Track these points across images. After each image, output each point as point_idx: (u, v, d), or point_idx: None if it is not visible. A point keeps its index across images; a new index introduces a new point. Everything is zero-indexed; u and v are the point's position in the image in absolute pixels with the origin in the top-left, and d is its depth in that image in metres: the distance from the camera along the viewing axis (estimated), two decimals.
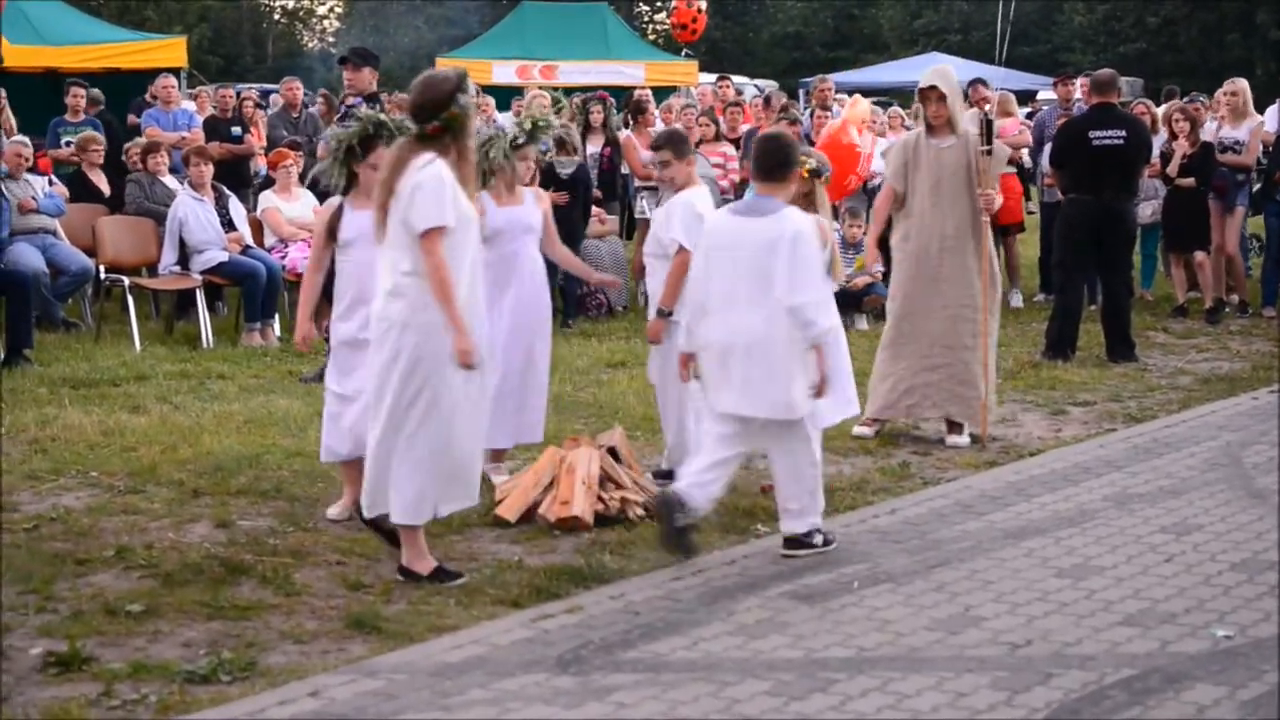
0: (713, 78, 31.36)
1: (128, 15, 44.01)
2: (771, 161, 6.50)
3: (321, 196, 12.75)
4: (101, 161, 13.56)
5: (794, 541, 6.44)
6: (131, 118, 16.35)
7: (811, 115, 15.96)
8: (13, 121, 14.69)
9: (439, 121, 5.92)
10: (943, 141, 8.50)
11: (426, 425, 5.91)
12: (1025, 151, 15.08)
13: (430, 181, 5.85)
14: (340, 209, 6.92)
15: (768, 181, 6.48)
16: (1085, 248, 11.21)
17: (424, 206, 5.82)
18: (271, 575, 6.04)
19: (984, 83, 14.99)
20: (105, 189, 13.31)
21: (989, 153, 8.57)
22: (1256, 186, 14.01)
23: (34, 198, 12.13)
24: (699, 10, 27.84)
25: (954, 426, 8.57)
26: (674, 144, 7.64)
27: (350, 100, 10.21)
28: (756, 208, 6.46)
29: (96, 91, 16.07)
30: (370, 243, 6.23)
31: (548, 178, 12.22)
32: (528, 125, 7.59)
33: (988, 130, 8.73)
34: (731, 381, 6.34)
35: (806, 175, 7.37)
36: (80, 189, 13.37)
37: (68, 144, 14.69)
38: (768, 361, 6.26)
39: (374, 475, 6.01)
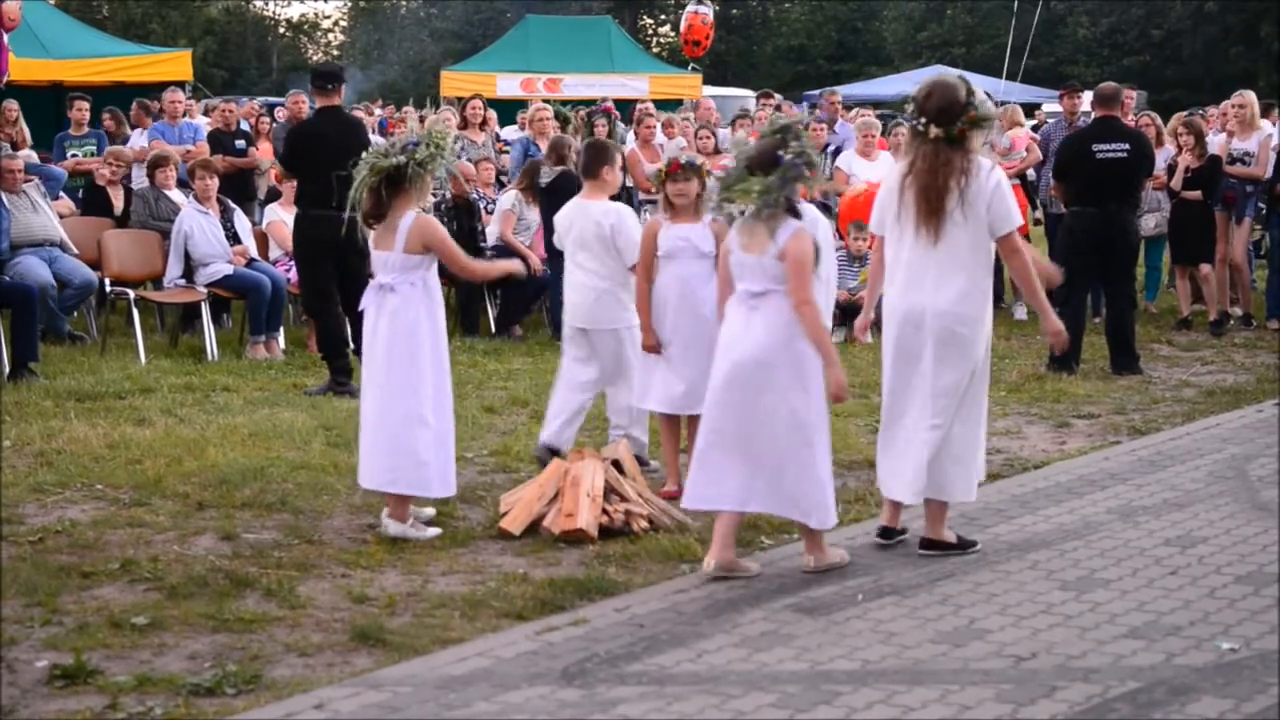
0: (716, 90, 31.45)
1: (133, 29, 44.19)
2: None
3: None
4: (121, 178, 13.49)
5: None
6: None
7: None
8: (26, 134, 14.74)
9: (963, 123, 6.34)
10: None
11: (977, 412, 6.61)
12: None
13: (1006, 184, 6.51)
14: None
15: None
16: (1088, 260, 11.22)
17: (1011, 208, 6.46)
18: (276, 588, 6.05)
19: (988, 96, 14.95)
20: (120, 205, 13.17)
21: None
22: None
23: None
24: (711, 27, 27.92)
25: None
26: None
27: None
28: None
29: None
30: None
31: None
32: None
33: None
34: None
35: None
36: (93, 202, 13.35)
37: (73, 156, 14.73)
38: None
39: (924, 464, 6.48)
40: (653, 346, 7.64)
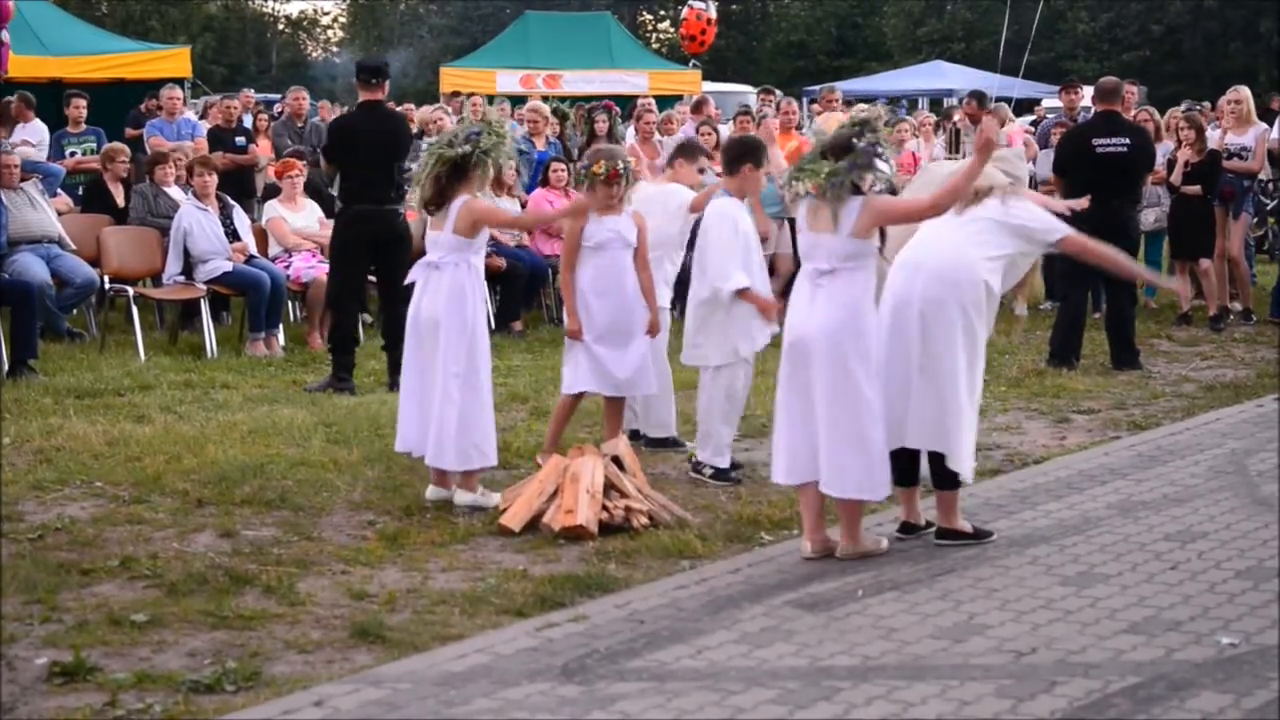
0: (716, 86, 31.42)
1: (132, 25, 44.11)
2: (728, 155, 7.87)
3: (326, 207, 12.79)
4: (126, 175, 13.43)
5: None
6: (130, 130, 16.37)
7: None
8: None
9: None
10: None
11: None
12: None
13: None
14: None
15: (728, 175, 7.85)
16: None
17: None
18: (276, 585, 6.05)
19: (980, 98, 14.69)
20: (121, 202, 13.09)
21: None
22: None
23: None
24: (709, 22, 27.87)
25: None
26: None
27: None
28: None
29: None
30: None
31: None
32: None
33: (955, 140, 8.89)
34: None
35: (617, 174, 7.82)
36: (95, 199, 13.33)
37: (72, 154, 14.72)
38: None
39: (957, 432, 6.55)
40: (577, 333, 7.87)
